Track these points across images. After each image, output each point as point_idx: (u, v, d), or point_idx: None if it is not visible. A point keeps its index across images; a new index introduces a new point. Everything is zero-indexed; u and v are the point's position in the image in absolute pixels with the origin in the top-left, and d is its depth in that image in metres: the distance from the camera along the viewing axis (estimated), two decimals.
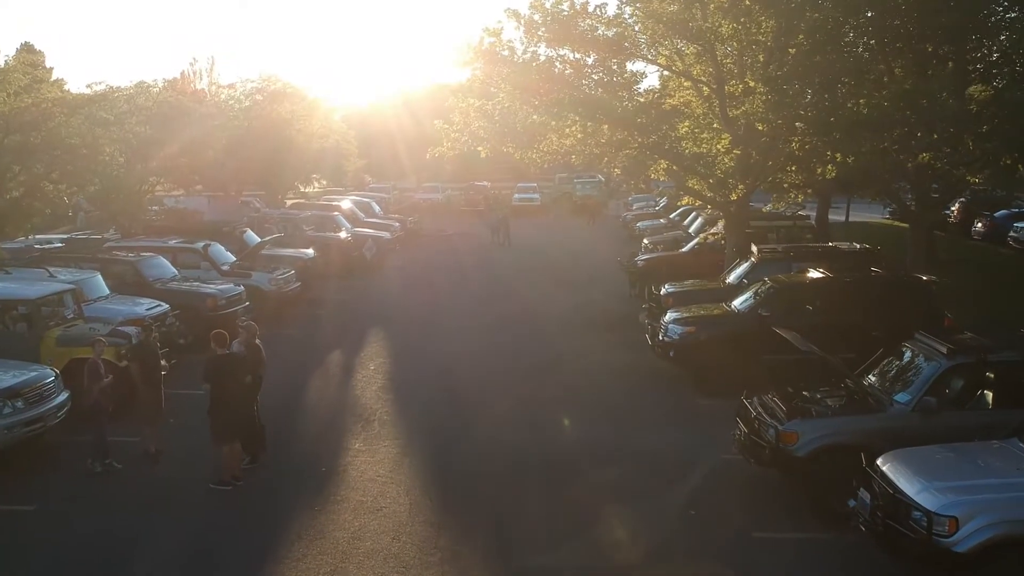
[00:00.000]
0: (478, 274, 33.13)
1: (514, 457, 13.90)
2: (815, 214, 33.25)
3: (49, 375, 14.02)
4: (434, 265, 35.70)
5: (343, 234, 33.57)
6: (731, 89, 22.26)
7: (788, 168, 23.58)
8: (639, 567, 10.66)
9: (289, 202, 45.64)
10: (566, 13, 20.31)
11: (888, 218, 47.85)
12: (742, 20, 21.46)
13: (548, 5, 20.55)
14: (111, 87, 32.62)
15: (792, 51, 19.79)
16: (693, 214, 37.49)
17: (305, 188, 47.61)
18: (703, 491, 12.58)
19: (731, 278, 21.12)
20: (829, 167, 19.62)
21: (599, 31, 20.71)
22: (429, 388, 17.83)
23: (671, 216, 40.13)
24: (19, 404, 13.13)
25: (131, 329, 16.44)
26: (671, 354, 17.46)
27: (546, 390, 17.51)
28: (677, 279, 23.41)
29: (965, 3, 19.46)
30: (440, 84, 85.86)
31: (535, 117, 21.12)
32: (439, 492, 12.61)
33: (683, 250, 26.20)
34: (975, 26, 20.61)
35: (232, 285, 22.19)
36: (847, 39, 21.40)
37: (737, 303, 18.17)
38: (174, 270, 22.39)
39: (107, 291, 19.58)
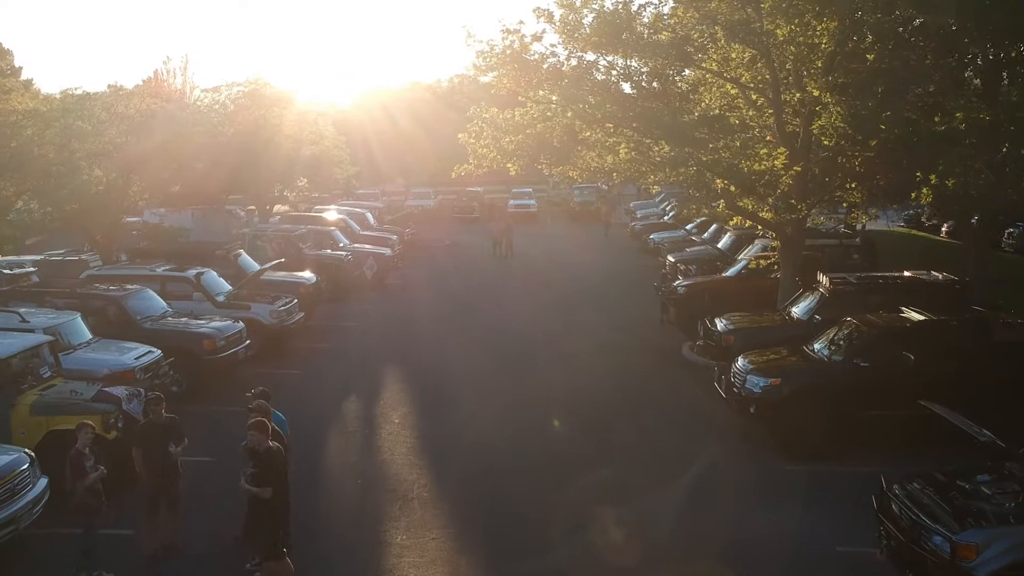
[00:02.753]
0: (488, 296, 30.53)
1: (593, 554, 11.45)
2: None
3: (23, 461, 11.38)
4: (438, 285, 33.05)
5: (343, 252, 30.91)
6: (787, 98, 19.89)
7: (848, 185, 21.25)
8: None
9: (277, 213, 42.79)
10: (615, 13, 17.75)
11: (904, 226, 45.94)
12: (795, 21, 19.10)
13: (598, 5, 18.04)
14: (88, 92, 29.98)
15: (870, 58, 17.40)
16: (713, 226, 35.24)
17: (291, 195, 44.68)
18: None
19: (797, 312, 18.75)
20: (925, 191, 17.25)
21: (650, 35, 18.22)
22: (466, 449, 15.29)
23: (688, 228, 37.72)
24: None
25: (119, 390, 13.83)
26: (752, 410, 15.05)
27: (604, 455, 15.04)
28: (722, 308, 21.10)
29: None
30: (417, 82, 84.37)
31: (587, 133, 18.54)
32: None
33: (727, 274, 23.77)
34: None
35: (230, 322, 19.56)
36: (919, 43, 19.08)
37: (820, 347, 15.80)
38: (164, 304, 19.75)
39: (88, 335, 16.93)
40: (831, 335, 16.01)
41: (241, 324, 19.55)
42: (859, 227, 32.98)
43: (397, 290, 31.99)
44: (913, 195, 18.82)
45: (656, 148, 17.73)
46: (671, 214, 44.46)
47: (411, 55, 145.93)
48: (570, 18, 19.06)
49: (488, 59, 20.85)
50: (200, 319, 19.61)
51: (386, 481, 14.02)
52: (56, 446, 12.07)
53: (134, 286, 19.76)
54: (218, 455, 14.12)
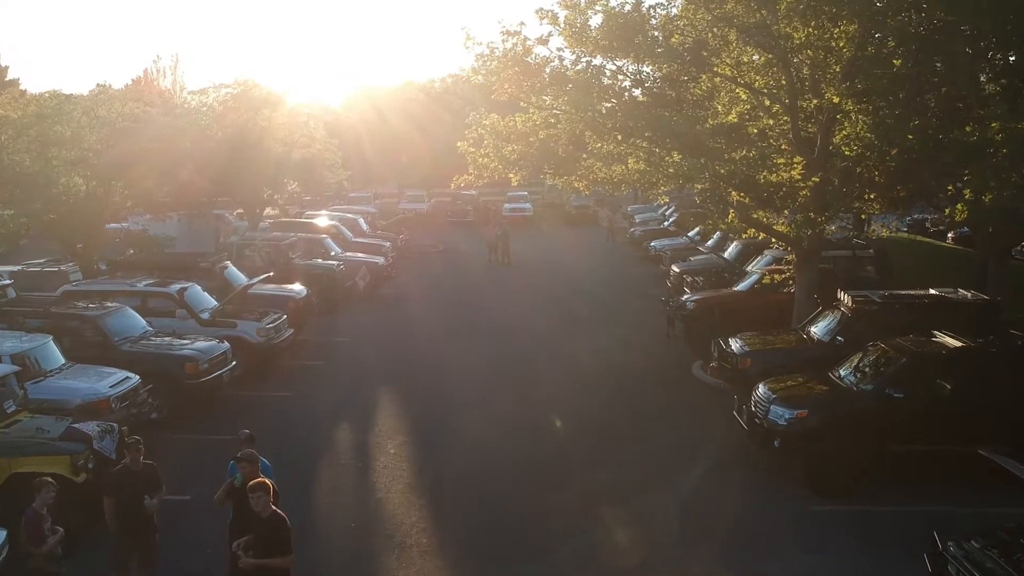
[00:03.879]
0: (486, 308, 29.32)
1: None
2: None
3: None
4: (433, 296, 31.83)
5: (334, 262, 29.73)
6: (804, 104, 18.82)
7: (866, 196, 20.20)
8: None
9: (268, 217, 41.51)
10: (625, 14, 16.60)
11: (907, 232, 44.91)
12: (812, 24, 18.04)
13: (603, 5, 16.88)
14: (69, 95, 28.78)
15: (896, 63, 16.34)
16: (718, 235, 34.13)
17: (281, 200, 43.36)
18: None
19: (817, 333, 17.66)
20: (960, 207, 16.16)
21: (665, 38, 17.10)
22: (469, 487, 14.17)
23: (690, 235, 36.59)
24: None
25: (91, 427, 12.67)
26: (776, 444, 13.94)
27: (620, 492, 13.94)
28: (734, 325, 20.05)
29: None
30: (410, 81, 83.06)
31: (598, 144, 17.36)
32: None
33: (738, 288, 22.67)
34: None
35: (215, 342, 18.39)
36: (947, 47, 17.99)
37: (847, 374, 14.70)
38: (144, 323, 18.57)
39: (61, 359, 15.75)
40: (858, 361, 14.93)
41: (226, 345, 18.39)
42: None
43: (390, 301, 30.80)
44: (947, 211, 17.71)
45: (669, 159, 16.61)
46: (671, 220, 43.32)
47: (403, 54, 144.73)
48: (577, 20, 17.93)
49: (488, 62, 19.75)
50: (183, 339, 18.44)
51: (382, 524, 12.88)
52: (18, 491, 10.89)
53: (112, 304, 18.59)
54: (197, 491, 12.94)
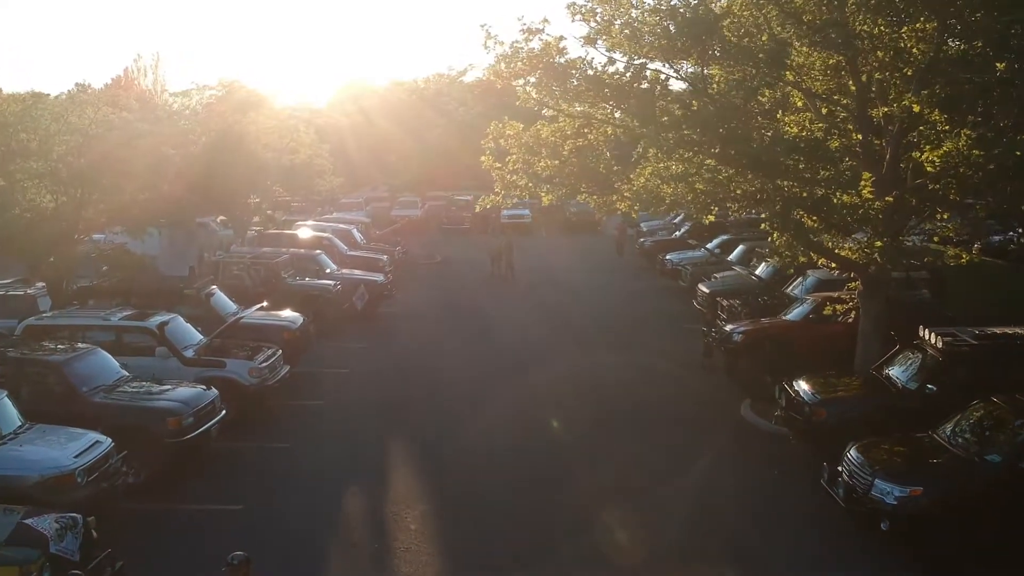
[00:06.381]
0: (494, 331, 26.74)
1: None
2: None
3: None
4: (436, 317, 29.20)
5: (330, 282, 27.17)
6: (874, 114, 16.45)
7: (938, 215, 17.90)
8: None
9: (253, 227, 38.80)
10: (695, 7, 14.20)
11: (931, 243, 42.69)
12: (879, 22, 15.70)
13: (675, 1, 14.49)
14: (36, 97, 26.20)
15: (1000, 66, 13.98)
16: (741, 247, 31.80)
17: (270, 210, 40.66)
18: None
19: (900, 378, 15.28)
20: None
21: (740, 38, 14.72)
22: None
23: (709, 247, 34.21)
24: None
25: (47, 522, 10.14)
26: (884, 526, 11.55)
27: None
28: (787, 360, 17.83)
29: None
30: (398, 81, 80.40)
31: (665, 163, 14.82)
32: None
33: (789, 316, 20.25)
34: None
35: (201, 389, 15.85)
36: None
37: (958, 437, 12.33)
38: (117, 367, 16.00)
39: (17, 421, 13.19)
40: (970, 421, 12.58)
41: (214, 392, 15.84)
42: None
43: (390, 323, 28.18)
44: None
45: (739, 178, 14.23)
46: (684, 230, 40.86)
47: (388, 52, 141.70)
48: (618, 17, 15.47)
49: (512, 63, 17.28)
50: (163, 384, 15.88)
51: None
52: None
53: (82, 346, 16.01)
54: None
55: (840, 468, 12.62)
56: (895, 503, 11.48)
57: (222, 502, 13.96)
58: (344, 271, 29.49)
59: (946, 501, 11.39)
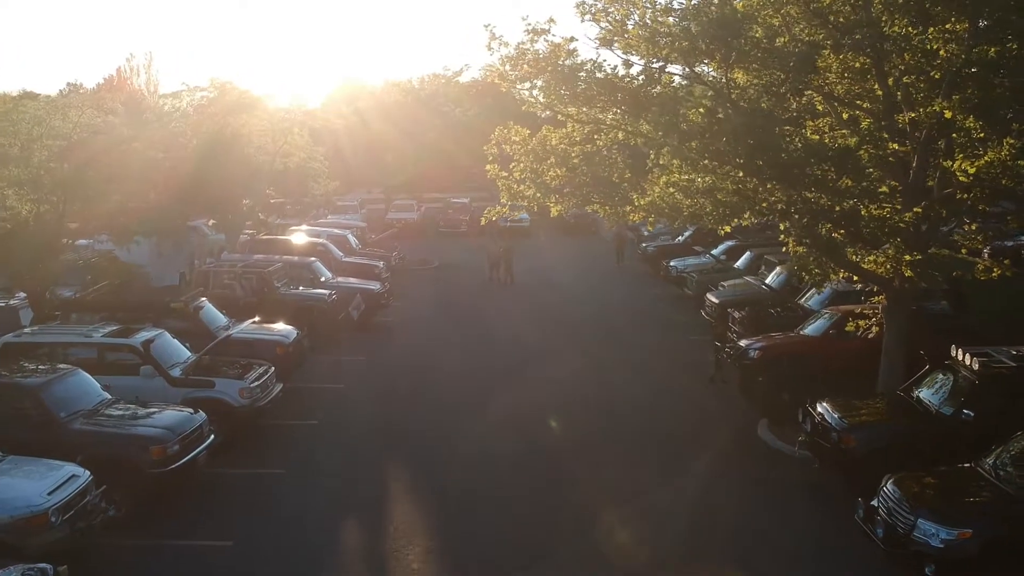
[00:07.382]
0: (496, 341, 25.82)
1: None
2: None
3: None
4: (435, 326, 28.23)
5: (325, 291, 26.18)
6: (900, 120, 15.55)
7: (966, 226, 17.02)
8: None
9: (245, 232, 37.74)
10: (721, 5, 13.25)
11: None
12: (904, 22, 14.80)
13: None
14: (16, 100, 25.16)
15: None
16: (748, 254, 30.88)
17: (263, 214, 39.63)
18: None
19: (933, 401, 14.35)
20: None
21: (769, 41, 13.79)
22: None
23: (714, 253, 33.26)
24: None
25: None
26: (929, 571, 10.62)
27: None
28: (806, 379, 16.97)
29: None
30: (394, 82, 79.32)
31: (690, 175, 13.84)
32: None
33: (807, 332, 19.32)
34: None
35: (188, 413, 14.88)
36: None
37: (1003, 471, 11.42)
38: (99, 389, 15.01)
39: None
40: (1011, 452, 11.65)
41: (202, 416, 14.86)
42: None
43: (388, 334, 27.17)
44: None
45: (765, 189, 13.30)
46: (687, 234, 39.84)
47: (382, 51, 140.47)
48: (634, 18, 14.54)
49: (518, 65, 16.34)
50: (148, 408, 14.91)
51: None
52: None
53: (61, 367, 15.01)
54: None
55: (876, 504, 11.71)
56: (941, 546, 10.55)
57: (211, 537, 13.01)
58: (339, 279, 28.49)
59: (1000, 546, 10.45)
